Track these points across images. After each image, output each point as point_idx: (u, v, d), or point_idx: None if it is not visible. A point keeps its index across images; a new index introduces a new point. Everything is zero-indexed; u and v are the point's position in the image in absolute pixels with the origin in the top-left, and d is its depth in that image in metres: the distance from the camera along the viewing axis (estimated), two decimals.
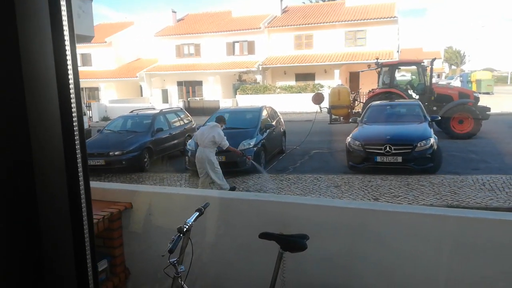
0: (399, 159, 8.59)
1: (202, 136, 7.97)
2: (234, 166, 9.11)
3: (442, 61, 60.90)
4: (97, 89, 33.84)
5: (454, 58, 75.15)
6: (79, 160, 0.84)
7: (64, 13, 0.80)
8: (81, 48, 31.44)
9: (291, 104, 25.04)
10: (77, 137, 0.84)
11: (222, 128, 8.00)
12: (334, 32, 29.06)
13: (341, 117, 15.27)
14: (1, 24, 0.71)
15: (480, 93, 21.16)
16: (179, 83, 32.79)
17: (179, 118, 13.37)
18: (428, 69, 14.24)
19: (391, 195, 7.32)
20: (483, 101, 14.73)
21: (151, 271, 2.83)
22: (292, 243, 2.24)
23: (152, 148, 11.06)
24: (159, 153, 11.46)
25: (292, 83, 28.97)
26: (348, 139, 9.47)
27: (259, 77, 29.49)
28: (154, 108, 15.79)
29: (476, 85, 33.79)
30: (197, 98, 30.00)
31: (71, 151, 0.82)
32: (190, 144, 10.03)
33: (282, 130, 12.22)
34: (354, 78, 29.29)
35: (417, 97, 13.98)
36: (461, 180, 7.96)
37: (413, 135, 9.13)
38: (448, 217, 2.39)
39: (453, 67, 75.25)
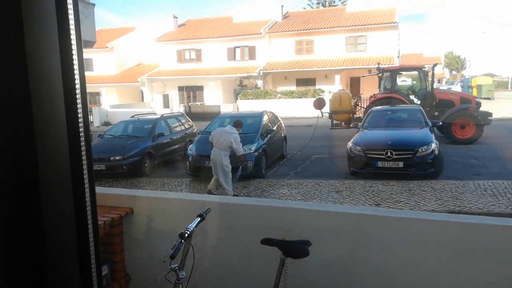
0: (401, 164, 8.57)
1: (219, 139, 8.12)
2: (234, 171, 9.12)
3: (442, 66, 61.02)
4: (98, 94, 33.91)
5: (455, 63, 75.26)
6: (84, 164, 0.84)
7: (71, 16, 0.80)
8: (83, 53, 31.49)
9: (291, 109, 25.06)
10: (83, 141, 0.84)
11: (238, 132, 8.28)
12: (335, 37, 29.15)
13: (343, 122, 15.26)
14: (8, 27, 0.71)
15: (480, 98, 21.18)
16: (180, 88, 32.86)
17: (180, 123, 13.38)
18: (430, 74, 14.26)
19: (392, 201, 7.30)
20: (484, 106, 14.72)
21: (152, 277, 2.82)
22: (294, 249, 2.23)
23: (153, 153, 11.06)
24: (160, 158, 11.46)
25: (293, 88, 29.02)
26: (349, 144, 9.47)
27: (260, 82, 29.54)
28: (155, 113, 15.81)
29: (476, 90, 33.79)
30: (198, 103, 30.03)
31: (76, 155, 0.82)
32: (191, 149, 10.02)
33: (283, 135, 12.21)
34: (354, 83, 29.32)
35: (419, 102, 13.98)
36: (462, 185, 7.94)
37: (414, 140, 9.12)
38: (450, 223, 2.38)
39: (453, 72, 75.34)
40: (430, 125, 10.04)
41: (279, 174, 10.06)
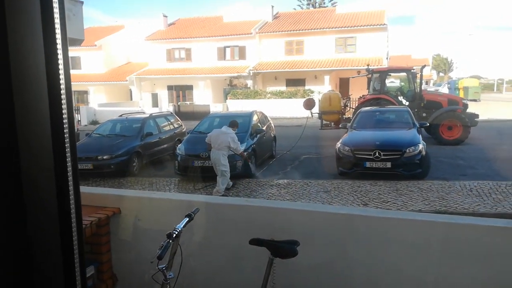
0: (388, 164, 8.65)
1: (217, 140, 8.32)
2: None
3: (430, 68, 61.79)
4: (86, 92, 33.53)
5: (442, 65, 76.30)
6: (68, 163, 0.83)
7: (56, 15, 0.79)
8: (70, 51, 30.14)
9: (281, 109, 25.11)
10: (67, 139, 0.82)
11: (235, 132, 8.52)
12: (325, 38, 29.31)
13: (332, 123, 15.34)
14: None
15: (467, 100, 21.48)
16: (170, 87, 32.68)
17: (169, 123, 13.29)
18: (418, 76, 14.42)
19: (380, 201, 7.36)
20: (471, 108, 14.94)
21: (139, 277, 2.79)
22: (283, 249, 2.23)
23: (141, 152, 10.97)
24: (149, 158, 11.37)
25: (283, 88, 29.08)
26: (338, 144, 9.52)
27: (250, 82, 29.54)
28: (143, 112, 15.70)
29: (463, 92, 34.30)
30: (188, 103, 29.91)
31: (60, 153, 0.81)
32: (180, 148, 9.97)
33: (272, 135, 12.23)
34: (343, 84, 29.50)
35: (407, 103, 14.13)
36: (449, 186, 8.04)
37: (402, 141, 9.21)
38: (437, 223, 2.41)
39: (441, 74, 76.38)
40: (418, 126, 10.15)
41: (268, 174, 10.06)
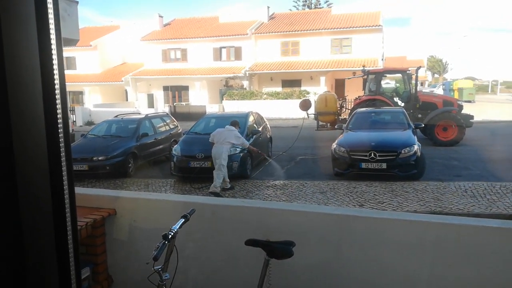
0: (384, 165, 8.68)
1: (221, 137, 8.55)
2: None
3: (425, 69, 62.08)
4: (81, 93, 33.38)
5: (437, 66, 76.66)
6: (63, 164, 0.82)
7: (51, 15, 0.79)
8: (65, 51, 29.89)
9: (277, 110, 25.14)
10: (62, 139, 0.82)
11: (237, 130, 8.81)
12: (320, 39, 29.37)
13: (328, 124, 15.38)
14: None
15: (462, 101, 21.61)
16: (165, 88, 32.60)
17: (165, 123, 13.26)
18: (413, 77, 14.48)
19: (375, 201, 7.38)
20: (466, 109, 15.04)
21: (134, 278, 2.78)
22: (278, 250, 2.23)
23: (137, 153, 10.93)
24: (144, 159, 11.33)
25: (279, 89, 29.11)
26: (334, 145, 9.54)
27: (245, 83, 29.54)
28: (139, 113, 15.64)
29: (458, 93, 34.47)
30: (183, 103, 29.85)
31: (55, 154, 0.81)
32: (176, 149, 9.95)
33: (268, 136, 12.23)
34: (339, 85, 29.57)
35: (403, 104, 14.19)
36: (444, 186, 8.08)
37: (397, 142, 9.25)
38: (432, 224, 2.42)
39: (435, 75, 76.73)
40: (413, 127, 10.20)
41: (264, 174, 10.06)
